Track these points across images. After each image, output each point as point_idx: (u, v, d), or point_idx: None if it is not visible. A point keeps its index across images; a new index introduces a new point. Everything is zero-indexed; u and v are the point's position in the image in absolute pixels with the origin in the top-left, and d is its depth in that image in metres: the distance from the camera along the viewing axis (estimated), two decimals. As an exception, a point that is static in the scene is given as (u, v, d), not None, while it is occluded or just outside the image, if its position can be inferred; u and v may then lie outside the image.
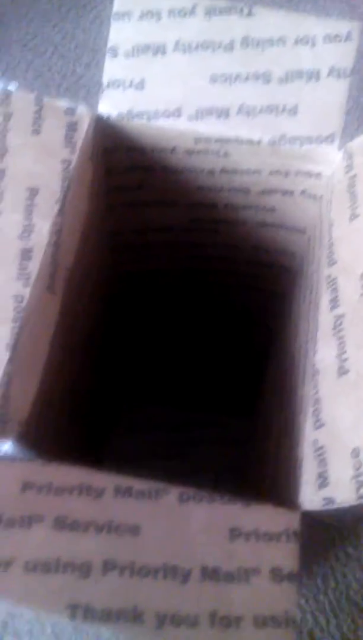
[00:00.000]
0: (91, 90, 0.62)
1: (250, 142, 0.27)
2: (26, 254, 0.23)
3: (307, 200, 0.30)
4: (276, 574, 0.17)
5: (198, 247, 0.34)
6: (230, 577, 0.17)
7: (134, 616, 0.16)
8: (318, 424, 0.20)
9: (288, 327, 0.32)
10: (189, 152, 0.28)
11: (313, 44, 0.26)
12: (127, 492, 0.18)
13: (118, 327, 0.40)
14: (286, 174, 0.28)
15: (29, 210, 0.24)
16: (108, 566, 0.16)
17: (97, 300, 0.31)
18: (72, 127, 0.26)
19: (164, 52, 0.27)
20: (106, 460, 0.45)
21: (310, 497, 0.19)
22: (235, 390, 0.45)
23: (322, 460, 0.19)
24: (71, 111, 0.26)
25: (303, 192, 0.29)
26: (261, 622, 0.16)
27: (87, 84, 0.63)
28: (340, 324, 0.21)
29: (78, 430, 0.34)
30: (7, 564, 0.16)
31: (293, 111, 0.26)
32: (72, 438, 0.32)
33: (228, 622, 0.16)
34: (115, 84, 0.27)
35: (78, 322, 0.27)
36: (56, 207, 0.24)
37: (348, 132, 0.27)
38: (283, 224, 0.32)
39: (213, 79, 0.27)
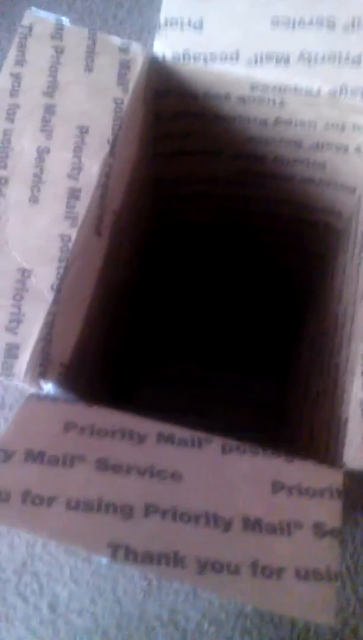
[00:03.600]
0: (132, 36, 0.60)
1: (309, 91, 0.26)
2: (74, 194, 0.22)
3: (361, 158, 0.29)
4: (319, 529, 0.17)
5: (242, 200, 0.34)
6: (272, 529, 0.17)
7: (176, 560, 0.16)
8: (367, 384, 0.19)
9: (330, 289, 0.31)
10: (244, 100, 0.27)
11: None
12: (169, 439, 0.18)
13: (156, 279, 0.39)
14: (343, 127, 0.27)
15: (78, 149, 0.23)
16: (150, 509, 0.16)
17: (138, 248, 0.31)
18: (125, 66, 0.25)
19: (225, -9, 0.26)
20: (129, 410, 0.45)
21: (354, 456, 0.18)
22: (266, 350, 0.45)
23: (368, 420, 0.19)
24: (125, 49, 0.25)
25: (357, 148, 0.28)
26: (304, 574, 0.16)
27: (128, 30, 0.61)
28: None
29: (108, 381, 0.34)
30: (50, 501, 0.16)
31: (357, 60, 0.25)
32: (102, 389, 0.32)
33: (270, 572, 0.16)
34: (172, 21, 0.26)
35: (120, 268, 0.27)
36: (107, 148, 0.23)
37: None
38: (333, 181, 0.31)
39: (275, 23, 0.25)
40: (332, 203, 0.32)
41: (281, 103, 0.27)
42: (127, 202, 0.26)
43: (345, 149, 0.28)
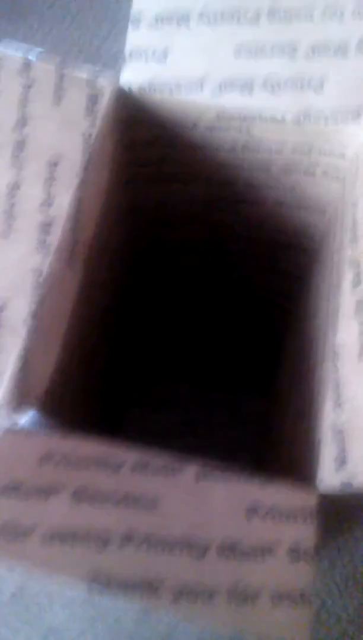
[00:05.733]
0: (107, 63, 0.61)
1: (273, 118, 0.26)
2: (46, 227, 0.23)
3: (329, 181, 0.29)
4: (294, 553, 0.17)
5: (217, 225, 0.34)
6: (247, 555, 0.17)
7: (151, 589, 0.16)
8: (338, 406, 0.20)
9: (306, 308, 0.32)
10: (211, 128, 0.28)
11: (342, 16, 0.25)
12: (145, 466, 0.18)
13: (136, 303, 0.40)
14: (309, 152, 0.28)
15: (49, 183, 0.24)
16: (128, 537, 0.17)
17: (115, 274, 0.31)
18: (93, 99, 0.25)
19: (188, 22, 0.26)
20: (120, 436, 0.45)
21: (328, 479, 0.18)
22: (251, 370, 0.45)
23: (340, 442, 0.19)
24: (92, 82, 0.26)
25: (325, 172, 0.29)
26: (278, 599, 0.16)
27: (104, 56, 0.62)
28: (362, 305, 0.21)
29: (95, 405, 0.34)
30: (26, 534, 0.16)
31: (319, 86, 0.26)
32: (89, 413, 0.32)
33: (245, 597, 0.16)
34: (137, 54, 0.26)
35: (97, 295, 0.27)
36: (76, 181, 0.24)
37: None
38: (303, 204, 0.31)
39: (238, 51, 0.26)
40: (303, 226, 0.32)
41: (248, 130, 0.27)
42: (100, 231, 0.26)
43: (313, 173, 0.29)
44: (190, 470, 0.18)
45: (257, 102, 0.26)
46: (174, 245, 0.36)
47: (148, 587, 0.16)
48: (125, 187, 0.31)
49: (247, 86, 0.26)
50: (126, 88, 0.26)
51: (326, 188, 0.30)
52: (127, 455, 0.18)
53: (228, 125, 0.27)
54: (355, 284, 0.22)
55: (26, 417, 0.19)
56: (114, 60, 0.61)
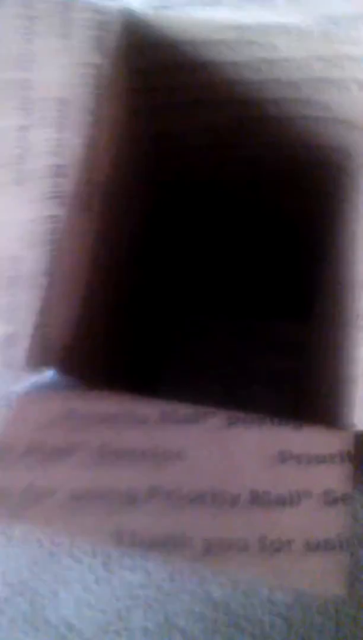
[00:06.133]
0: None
1: (299, 31, 0.24)
2: (60, 171, 0.22)
3: (361, 91, 0.27)
4: (329, 497, 0.16)
5: (245, 147, 0.32)
6: (280, 501, 0.16)
7: (182, 542, 0.16)
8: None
9: (344, 231, 0.30)
10: (232, 47, 0.26)
11: None
12: (172, 417, 0.18)
13: (162, 240, 0.39)
14: (341, 65, 0.26)
15: (60, 123, 0.23)
16: (153, 492, 0.16)
17: (138, 213, 0.30)
18: (99, 27, 0.24)
19: None
20: (163, 374, 0.45)
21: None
22: (290, 293, 0.44)
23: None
24: (95, 8, 0.24)
25: (356, 80, 0.26)
26: (314, 545, 0.16)
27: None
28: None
29: (127, 355, 0.34)
30: (51, 493, 0.16)
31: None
32: (120, 364, 0.31)
33: (279, 545, 0.16)
34: (144, -28, 0.24)
35: (118, 239, 0.26)
36: (89, 119, 0.22)
37: None
38: (337, 119, 0.29)
39: None
40: (338, 141, 0.30)
41: (272, 45, 0.25)
42: (117, 169, 0.25)
43: (346, 85, 0.27)
44: (218, 418, 0.18)
45: (280, 14, 0.24)
46: (199, 174, 0.34)
47: (178, 541, 0.16)
48: (143, 117, 0.29)
49: (267, -3, 0.24)
50: (132, 10, 0.24)
51: (360, 100, 0.28)
52: (152, 407, 0.18)
53: (251, 42, 0.25)
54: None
55: (46, 377, 0.18)
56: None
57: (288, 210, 0.36)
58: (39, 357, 0.18)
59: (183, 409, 0.18)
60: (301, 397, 0.35)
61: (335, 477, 0.17)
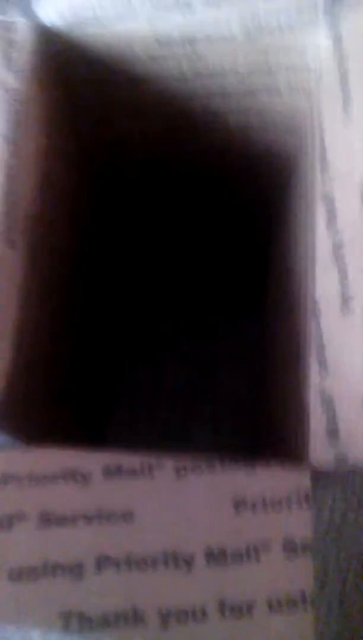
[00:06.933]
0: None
1: (222, 37, 0.23)
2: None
3: (297, 97, 0.26)
4: (288, 546, 0.15)
5: (181, 158, 0.31)
6: (238, 557, 0.15)
7: (135, 617, 0.14)
8: (324, 369, 0.18)
9: (288, 235, 0.29)
10: (154, 57, 0.24)
11: None
12: (117, 472, 0.16)
13: (105, 258, 0.37)
14: (269, 69, 0.25)
15: (-27, 154, 0.21)
16: (102, 563, 0.15)
17: (72, 235, 0.29)
18: (11, 44, 0.22)
19: None
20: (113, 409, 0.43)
21: (320, 453, 0.17)
22: (242, 293, 0.43)
23: (330, 411, 0.17)
24: (9, 26, 0.22)
25: (291, 88, 0.25)
26: (276, 604, 0.15)
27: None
28: (340, 248, 0.19)
29: (73, 394, 0.32)
30: (-11, 576, 0.15)
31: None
32: (69, 405, 0.30)
33: (240, 609, 0.15)
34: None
35: (53, 271, 0.25)
36: (7, 148, 0.21)
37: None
38: (271, 124, 0.28)
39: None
40: (276, 147, 0.29)
41: (195, 53, 0.24)
42: (45, 197, 0.24)
43: (278, 91, 0.26)
44: (167, 468, 0.16)
45: (200, 22, 0.23)
46: (137, 187, 0.33)
47: (130, 616, 0.14)
48: (72, 137, 0.28)
49: (185, 4, 0.22)
50: (47, 25, 0.23)
51: (295, 105, 0.27)
52: (96, 461, 0.16)
53: (172, 51, 0.24)
54: (329, 222, 0.20)
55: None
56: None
57: (233, 211, 0.35)
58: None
59: (128, 462, 0.16)
60: (259, 422, 0.34)
61: (293, 523, 0.16)
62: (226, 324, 0.47)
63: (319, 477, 0.17)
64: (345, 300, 0.18)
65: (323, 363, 0.18)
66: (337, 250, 0.19)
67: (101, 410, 0.41)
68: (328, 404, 0.17)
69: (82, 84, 0.26)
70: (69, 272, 0.28)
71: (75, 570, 0.15)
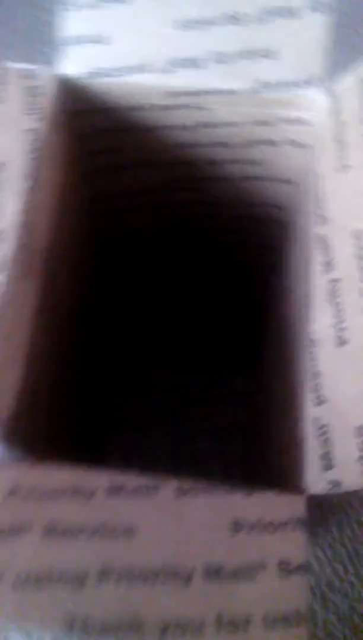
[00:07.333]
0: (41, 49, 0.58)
1: (228, 92, 0.25)
2: (-3, 237, 0.21)
3: (296, 150, 0.28)
4: (284, 567, 0.16)
5: (182, 206, 0.33)
6: (234, 575, 0.16)
7: (135, 626, 0.15)
8: (319, 401, 0.18)
9: (285, 281, 0.30)
10: (163, 109, 0.26)
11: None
12: (120, 489, 0.17)
13: (106, 300, 0.38)
14: (271, 122, 0.26)
15: (-4, 189, 0.22)
16: (104, 574, 0.16)
17: (80, 274, 0.30)
18: (34, 93, 0.24)
19: (125, 0, 0.24)
20: (108, 432, 0.44)
21: (315, 480, 0.18)
22: (236, 345, 0.44)
23: (325, 440, 0.18)
24: (30, 74, 0.24)
25: (291, 141, 0.27)
26: (272, 621, 0.15)
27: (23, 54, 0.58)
28: (336, 289, 0.20)
29: (75, 416, 0.33)
30: (-4, 581, 0.15)
31: (269, 54, 0.24)
32: (66, 432, 0.31)
33: (236, 624, 0.15)
34: (75, 39, 0.25)
35: (61, 303, 0.26)
36: (26, 184, 0.22)
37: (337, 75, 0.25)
38: (270, 176, 0.30)
39: (181, 26, 0.24)
40: (273, 197, 0.31)
41: (202, 107, 0.26)
42: (58, 233, 0.25)
43: (277, 144, 0.27)
44: (168, 488, 0.17)
45: (208, 77, 0.24)
46: (140, 232, 0.34)
47: (131, 625, 0.15)
48: (80, 181, 0.29)
49: (195, 62, 0.24)
50: (67, 77, 0.25)
51: (293, 158, 0.28)
52: (100, 479, 0.17)
53: (181, 104, 0.26)
54: (326, 266, 0.21)
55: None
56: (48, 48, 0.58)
57: (230, 263, 0.37)
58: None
59: (131, 482, 0.17)
60: (253, 451, 0.35)
61: (288, 547, 0.16)
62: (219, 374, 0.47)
63: (314, 502, 0.17)
64: (340, 336, 0.19)
65: (318, 394, 0.19)
66: (332, 287, 0.20)
67: (97, 429, 0.42)
68: (322, 432, 0.18)
69: (94, 132, 0.28)
70: (75, 308, 0.30)
71: (79, 579, 0.15)
